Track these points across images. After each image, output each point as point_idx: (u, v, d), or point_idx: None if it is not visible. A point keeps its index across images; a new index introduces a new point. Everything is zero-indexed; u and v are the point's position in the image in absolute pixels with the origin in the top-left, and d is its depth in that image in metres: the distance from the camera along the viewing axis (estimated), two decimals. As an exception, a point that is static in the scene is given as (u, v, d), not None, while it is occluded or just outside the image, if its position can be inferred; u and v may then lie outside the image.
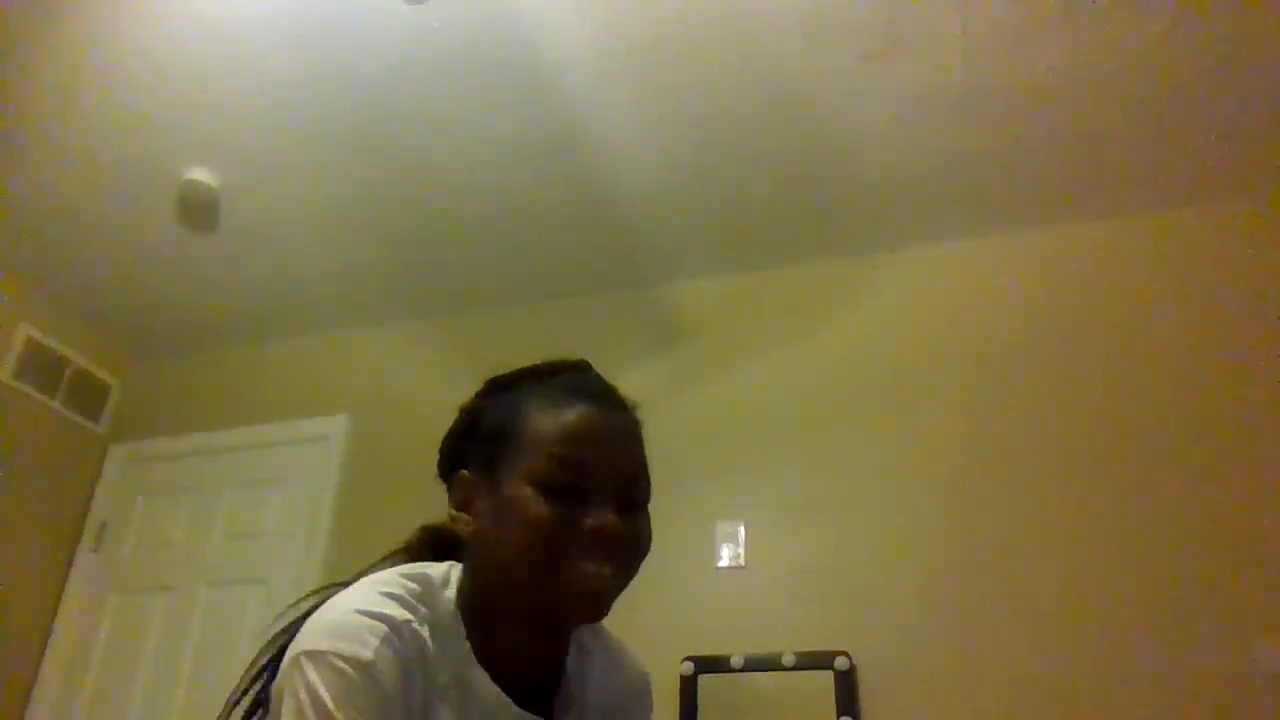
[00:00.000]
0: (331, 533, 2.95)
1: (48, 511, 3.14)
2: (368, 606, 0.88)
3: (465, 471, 0.99)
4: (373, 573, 0.99)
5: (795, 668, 2.34)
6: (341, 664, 0.83)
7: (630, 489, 0.95)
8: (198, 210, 2.80)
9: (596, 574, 0.89)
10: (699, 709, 2.38)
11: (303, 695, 0.82)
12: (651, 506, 0.99)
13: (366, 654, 0.84)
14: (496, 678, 0.93)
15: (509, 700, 0.93)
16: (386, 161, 2.65)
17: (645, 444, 1.00)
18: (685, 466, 2.68)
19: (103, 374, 3.39)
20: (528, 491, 0.91)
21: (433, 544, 1.08)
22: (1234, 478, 2.30)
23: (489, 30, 2.25)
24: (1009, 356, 2.61)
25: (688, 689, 2.40)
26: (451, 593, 0.96)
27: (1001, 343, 2.63)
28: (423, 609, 0.92)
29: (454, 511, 0.99)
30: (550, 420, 0.94)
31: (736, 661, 2.39)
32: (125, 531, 3.20)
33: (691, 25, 2.22)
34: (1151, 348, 2.50)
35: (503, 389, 1.03)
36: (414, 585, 0.94)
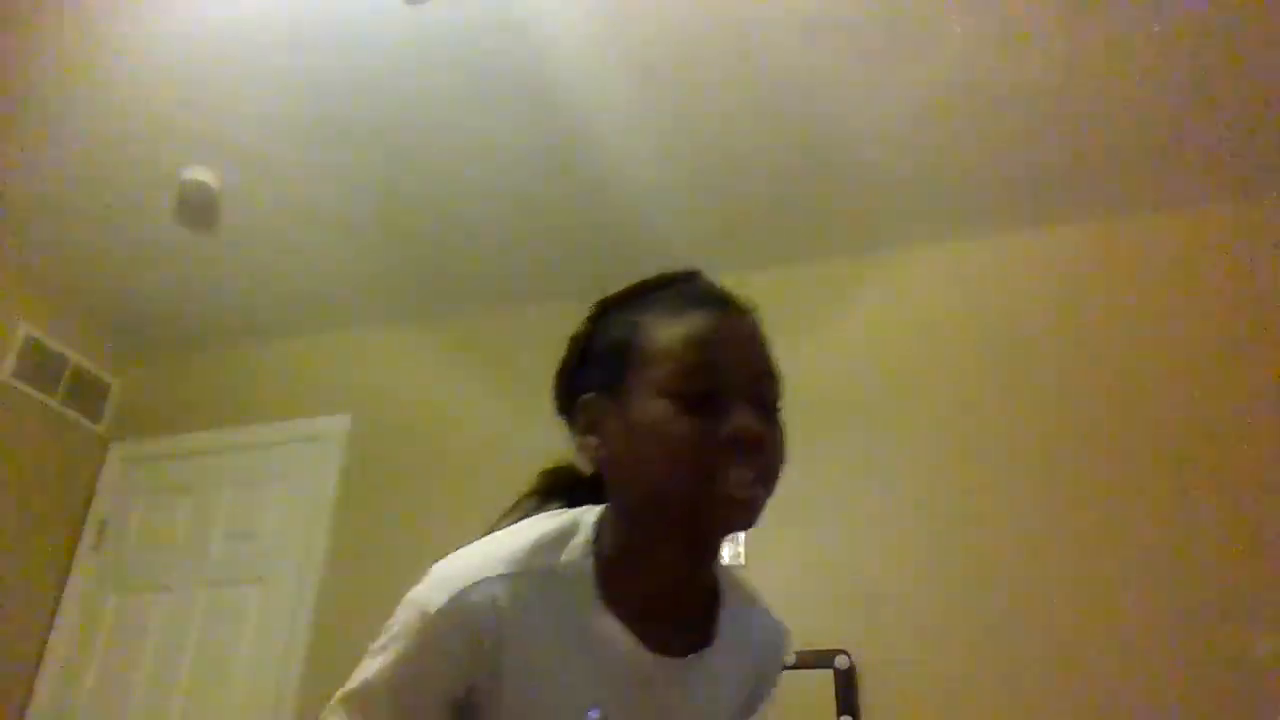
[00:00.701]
0: (331, 533, 2.95)
1: (48, 511, 3.14)
2: (467, 562, 0.89)
3: (587, 394, 0.93)
4: (505, 524, 0.97)
5: (795, 667, 2.34)
6: (413, 610, 0.87)
7: (766, 390, 0.92)
8: (197, 210, 2.80)
9: (742, 480, 0.85)
10: (699, 709, 2.38)
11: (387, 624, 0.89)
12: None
13: (431, 609, 0.86)
14: (636, 624, 0.90)
15: (643, 649, 0.89)
16: (386, 161, 2.65)
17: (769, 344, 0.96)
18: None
19: (103, 374, 3.39)
20: (661, 404, 0.86)
21: (557, 486, 1.04)
22: (1235, 478, 2.30)
23: (488, 30, 2.25)
24: (1009, 356, 2.61)
25: (688, 689, 2.40)
26: (583, 538, 0.92)
27: (1001, 342, 2.63)
28: (542, 562, 0.90)
29: (580, 438, 0.93)
30: (674, 329, 0.89)
31: (736, 661, 2.39)
32: (125, 531, 3.20)
33: (691, 25, 2.22)
34: (1152, 347, 2.50)
35: (615, 307, 0.98)
36: (539, 536, 0.92)
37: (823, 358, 2.77)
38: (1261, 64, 2.22)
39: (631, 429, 0.88)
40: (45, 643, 3.04)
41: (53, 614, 3.08)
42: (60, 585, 3.12)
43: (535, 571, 0.89)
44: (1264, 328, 2.43)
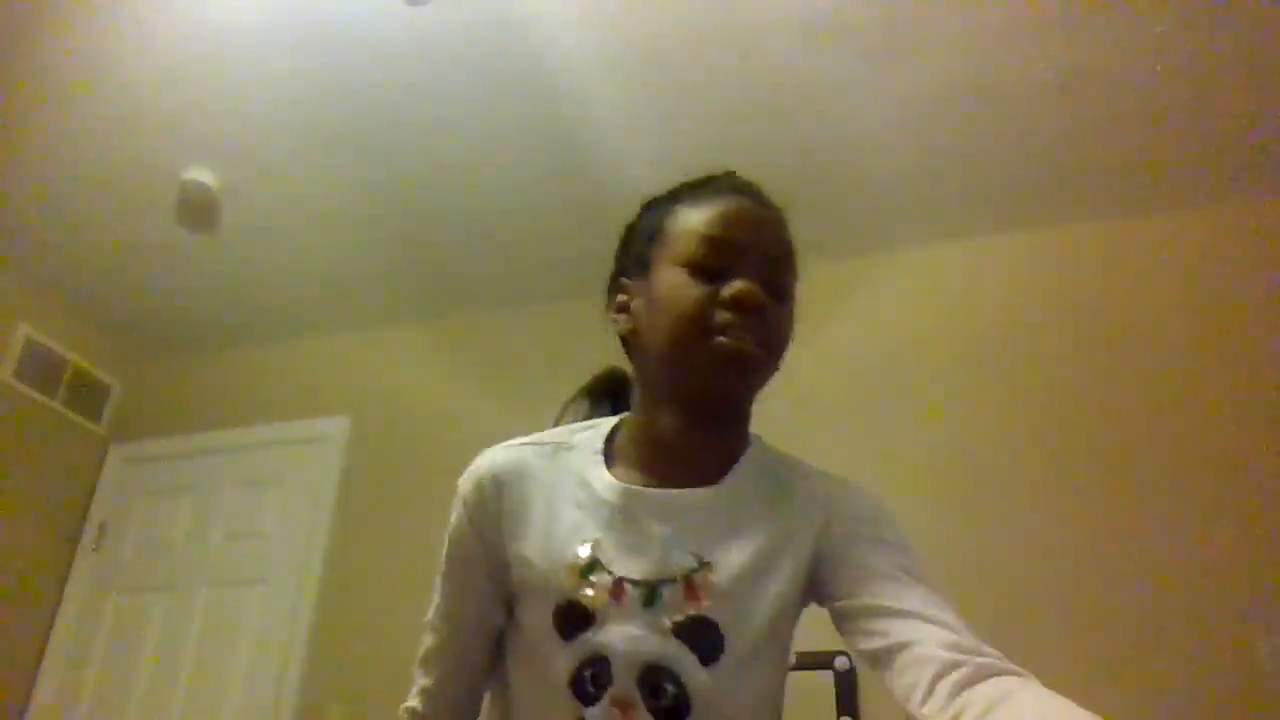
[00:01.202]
0: (331, 533, 2.95)
1: (48, 511, 3.14)
2: (491, 450, 1.02)
3: (623, 278, 1.04)
4: (557, 422, 1.09)
5: (795, 667, 2.33)
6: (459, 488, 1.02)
7: (777, 272, 0.99)
8: (198, 210, 2.80)
9: (735, 338, 0.91)
10: (699, 709, 2.38)
11: None
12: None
13: (459, 491, 1.01)
14: (635, 476, 0.97)
15: (620, 483, 0.96)
16: (387, 161, 2.65)
17: (793, 243, 1.05)
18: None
19: (103, 374, 3.39)
20: (678, 273, 0.95)
21: (605, 386, 1.14)
22: (1236, 477, 2.29)
23: (489, 31, 2.25)
24: (1009, 356, 2.61)
25: (688, 689, 2.39)
26: (602, 428, 1.03)
27: (1001, 343, 2.63)
28: (556, 440, 1.02)
29: (613, 316, 1.04)
30: (700, 211, 0.98)
31: (736, 662, 2.38)
32: (125, 531, 3.20)
33: (691, 26, 2.22)
34: (1154, 347, 2.50)
35: (654, 201, 1.08)
36: (565, 428, 1.05)
37: (822, 358, 2.76)
38: (1262, 64, 2.22)
39: (652, 300, 0.97)
40: (45, 643, 3.04)
41: (53, 614, 3.08)
42: (60, 585, 3.13)
43: (546, 444, 1.01)
44: (1265, 328, 2.42)
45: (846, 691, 2.29)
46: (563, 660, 0.90)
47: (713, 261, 0.94)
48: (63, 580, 3.14)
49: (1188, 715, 2.10)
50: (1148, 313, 2.55)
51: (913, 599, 0.93)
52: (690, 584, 0.91)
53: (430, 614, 1.03)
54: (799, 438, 3.13)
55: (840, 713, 2.27)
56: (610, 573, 0.91)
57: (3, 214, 2.87)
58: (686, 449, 0.97)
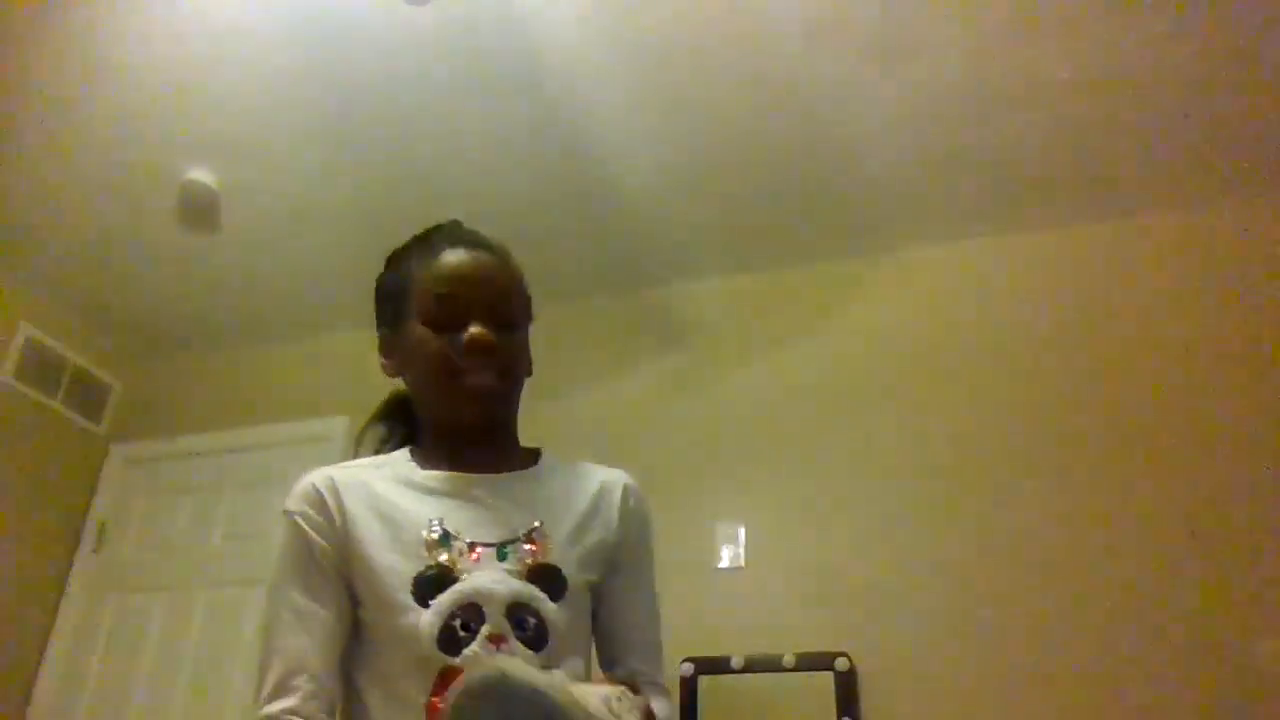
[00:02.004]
0: (331, 533, 2.95)
1: (48, 511, 3.14)
2: (309, 473, 1.18)
3: (383, 329, 1.25)
4: (357, 442, 1.29)
5: (795, 669, 2.34)
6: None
7: (500, 309, 1.18)
8: (198, 210, 2.80)
9: (479, 379, 1.13)
10: (699, 710, 2.38)
11: None
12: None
13: (283, 511, 1.15)
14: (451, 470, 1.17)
15: (458, 472, 1.15)
16: (387, 162, 2.65)
17: (515, 276, 1.26)
18: (685, 467, 2.68)
19: (103, 374, 3.39)
20: (420, 330, 1.16)
21: (390, 408, 1.31)
22: (1235, 477, 2.29)
23: (490, 31, 2.25)
24: (1009, 356, 2.61)
25: (687, 690, 2.39)
26: (404, 451, 1.22)
27: (1001, 343, 2.63)
28: (366, 464, 1.20)
29: (381, 360, 1.24)
30: (428, 270, 1.19)
31: (736, 663, 2.38)
32: (125, 532, 3.20)
33: (692, 26, 2.22)
34: (1154, 346, 2.50)
35: (392, 260, 1.28)
36: (365, 459, 1.23)
37: (823, 358, 2.77)
38: (1262, 64, 2.22)
39: (405, 352, 1.19)
40: (45, 643, 3.04)
41: (53, 614, 3.08)
42: (60, 585, 3.12)
43: (361, 465, 1.19)
44: (1265, 328, 2.42)
45: (847, 692, 2.28)
46: (426, 623, 1.02)
47: (445, 316, 1.15)
48: (63, 580, 3.13)
49: (1188, 715, 2.10)
50: (1148, 313, 2.55)
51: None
52: (531, 540, 1.11)
53: (274, 642, 1.06)
54: (799, 437, 3.14)
55: (840, 713, 2.27)
56: (461, 539, 1.08)
57: (3, 214, 2.86)
58: (483, 447, 1.18)
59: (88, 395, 3.32)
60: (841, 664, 2.30)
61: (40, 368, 3.14)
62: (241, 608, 2.92)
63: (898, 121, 2.43)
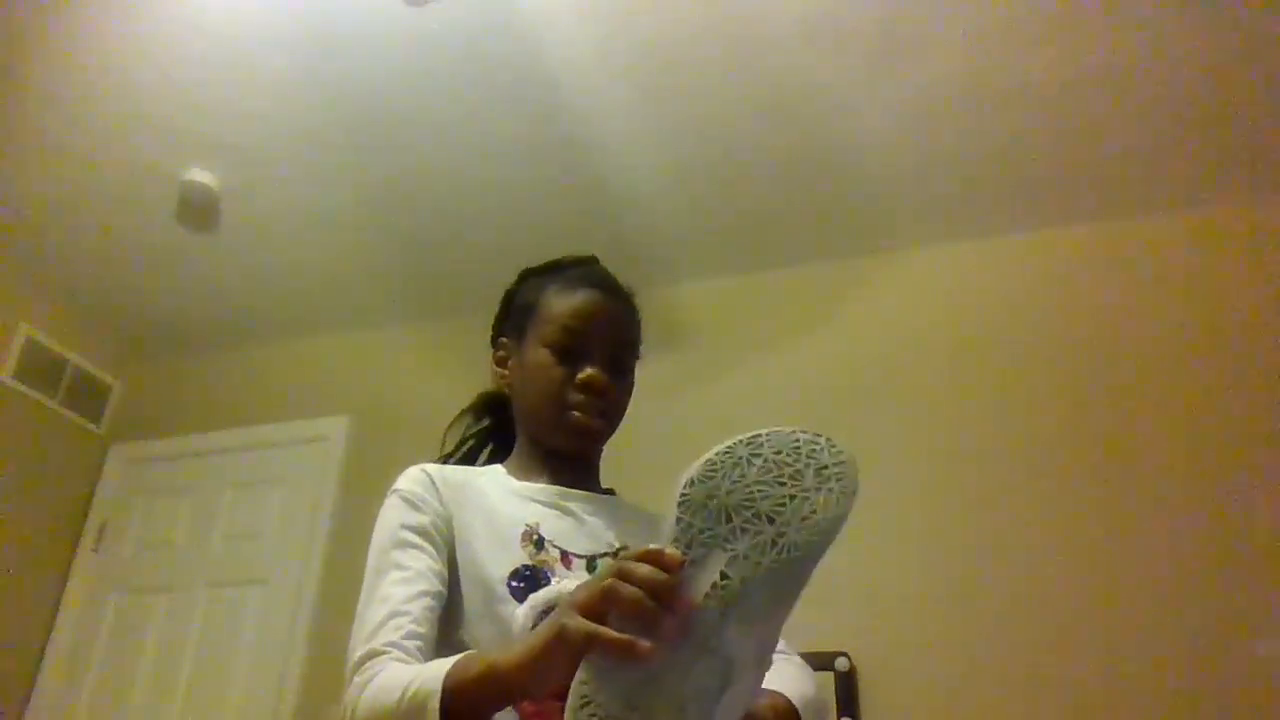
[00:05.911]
0: (331, 533, 2.95)
1: (48, 511, 3.14)
2: (415, 466, 1.22)
3: (504, 338, 1.32)
4: (449, 434, 1.37)
5: (795, 668, 2.34)
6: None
7: (619, 357, 1.24)
8: (198, 210, 2.80)
9: (583, 415, 1.19)
10: (699, 709, 2.37)
11: None
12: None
13: (403, 483, 1.18)
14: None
15: (549, 485, 1.19)
16: (387, 162, 2.65)
17: (638, 327, 1.29)
18: (685, 467, 2.68)
19: (103, 374, 3.39)
20: (543, 353, 1.21)
21: (487, 405, 1.38)
22: (1236, 478, 2.29)
23: (490, 31, 2.25)
24: (1009, 357, 2.61)
25: (688, 689, 2.39)
26: (497, 464, 1.27)
27: (1001, 343, 2.63)
28: (465, 468, 1.26)
29: (495, 369, 1.32)
30: (563, 300, 1.24)
31: (737, 662, 2.38)
32: (125, 531, 3.19)
33: (692, 26, 2.22)
34: (1154, 346, 2.50)
35: (530, 276, 1.33)
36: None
37: (823, 358, 2.77)
38: (1262, 64, 2.22)
39: (525, 367, 1.24)
40: (45, 643, 3.04)
41: (53, 614, 3.08)
42: (60, 585, 3.12)
43: (460, 468, 1.25)
44: (1266, 328, 2.42)
45: (847, 692, 2.28)
46: (521, 615, 1.04)
47: (570, 347, 1.20)
48: (63, 580, 3.13)
49: (1188, 715, 2.10)
50: (1147, 313, 2.55)
51: None
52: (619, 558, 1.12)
53: (377, 592, 1.09)
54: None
55: (840, 713, 2.27)
56: (556, 547, 1.12)
57: (3, 214, 2.87)
58: (574, 468, 1.23)
59: (87, 395, 3.32)
60: (841, 664, 2.30)
61: (40, 368, 3.14)
62: (241, 608, 2.93)
63: (897, 122, 2.43)
